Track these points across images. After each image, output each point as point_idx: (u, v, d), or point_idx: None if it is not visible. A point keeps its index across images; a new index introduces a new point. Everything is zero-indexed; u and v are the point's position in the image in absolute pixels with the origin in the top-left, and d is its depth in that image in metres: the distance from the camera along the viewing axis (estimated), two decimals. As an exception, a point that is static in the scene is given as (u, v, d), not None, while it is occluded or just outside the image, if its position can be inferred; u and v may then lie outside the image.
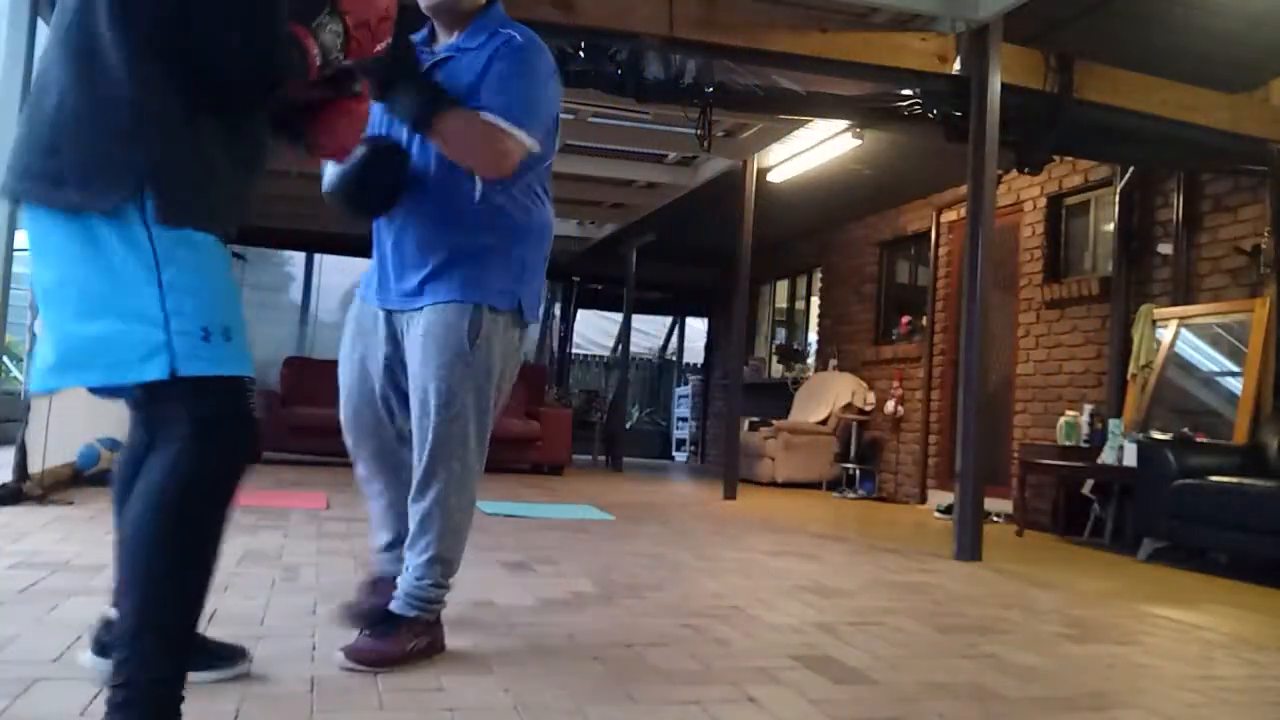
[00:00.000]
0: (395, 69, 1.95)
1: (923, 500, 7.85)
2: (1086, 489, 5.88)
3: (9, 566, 2.78)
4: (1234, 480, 4.43)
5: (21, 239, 4.31)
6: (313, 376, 7.45)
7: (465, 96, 2.06)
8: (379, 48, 1.72)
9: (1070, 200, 6.77)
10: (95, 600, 2.42)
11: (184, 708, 1.38)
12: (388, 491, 2.29)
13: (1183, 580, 4.30)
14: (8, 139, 4.17)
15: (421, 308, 2.11)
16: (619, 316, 12.08)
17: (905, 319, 8.56)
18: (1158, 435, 5.07)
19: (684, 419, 13.59)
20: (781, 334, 11.35)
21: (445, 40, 2.22)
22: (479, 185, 2.11)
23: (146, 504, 1.41)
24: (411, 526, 2.14)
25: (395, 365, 2.20)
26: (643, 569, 3.55)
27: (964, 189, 4.90)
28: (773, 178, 7.57)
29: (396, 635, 2.03)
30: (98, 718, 1.58)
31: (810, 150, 6.88)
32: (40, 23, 4.30)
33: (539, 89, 2.14)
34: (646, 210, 9.39)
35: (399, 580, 2.14)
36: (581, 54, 4.41)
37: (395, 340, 2.20)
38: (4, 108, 4.14)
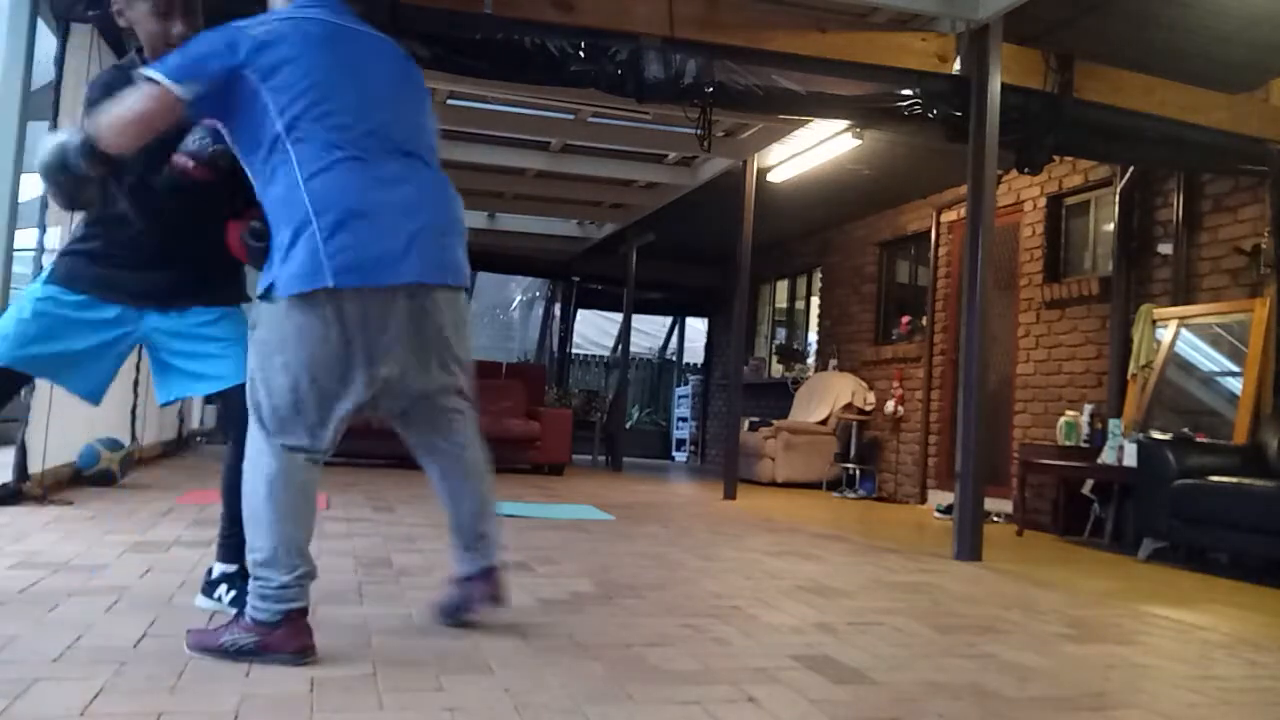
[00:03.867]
0: None
1: (923, 500, 7.85)
2: (1086, 489, 5.88)
3: (9, 566, 2.78)
4: (1234, 480, 4.43)
5: (21, 239, 4.31)
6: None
7: None
8: None
9: (1070, 200, 6.77)
10: (95, 600, 2.42)
11: (182, 706, 1.37)
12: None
13: (1183, 580, 4.30)
14: (8, 139, 4.18)
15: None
16: (619, 316, 12.08)
17: (905, 319, 8.56)
18: (1158, 435, 5.07)
19: (684, 419, 13.59)
20: (781, 334, 11.35)
21: None
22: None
23: None
24: None
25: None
26: (643, 569, 3.55)
27: (964, 189, 4.90)
28: (773, 178, 7.57)
29: (221, 628, 2.01)
30: (98, 718, 1.58)
31: (810, 150, 6.88)
32: (40, 23, 4.30)
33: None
34: (646, 210, 9.39)
35: None
36: (581, 54, 4.41)
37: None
38: (4, 107, 4.14)
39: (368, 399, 2.14)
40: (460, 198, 2.31)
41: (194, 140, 2.30)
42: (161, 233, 2.38)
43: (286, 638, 1.97)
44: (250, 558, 2.05)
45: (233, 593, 2.41)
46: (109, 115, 2.01)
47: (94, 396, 2.47)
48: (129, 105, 1.99)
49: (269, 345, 2.07)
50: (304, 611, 2.02)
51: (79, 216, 2.45)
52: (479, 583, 2.36)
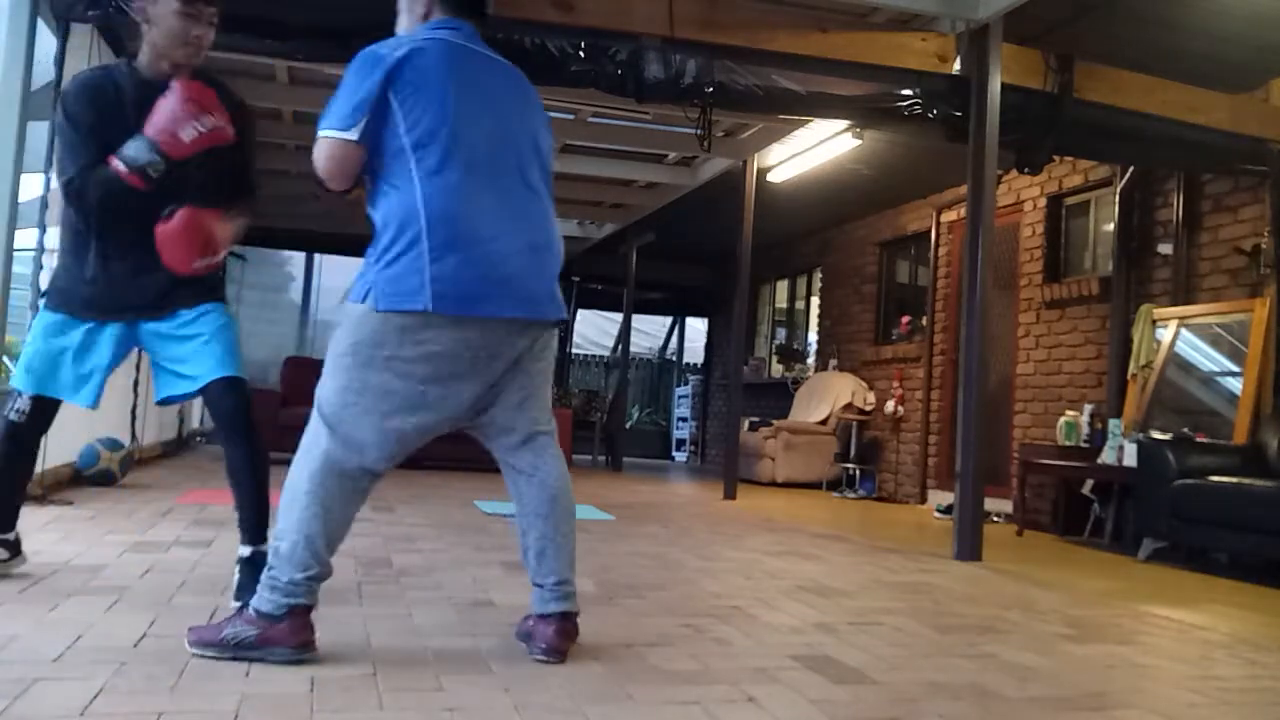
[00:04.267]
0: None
1: (923, 500, 7.85)
2: (1086, 489, 5.88)
3: (9, 566, 2.78)
4: (1234, 480, 4.43)
5: (21, 239, 4.31)
6: (313, 376, 7.38)
7: None
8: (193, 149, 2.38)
9: (1070, 200, 6.77)
10: (95, 600, 2.43)
11: (182, 706, 1.37)
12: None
13: (1183, 580, 4.30)
14: (8, 139, 4.21)
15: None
16: (619, 316, 12.08)
17: (905, 319, 8.56)
18: (1158, 435, 5.07)
19: (684, 419, 13.59)
20: (781, 334, 11.35)
21: None
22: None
23: None
24: None
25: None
26: (643, 569, 3.55)
27: (964, 189, 4.90)
28: (773, 178, 7.57)
29: (224, 621, 2.03)
30: (98, 717, 1.58)
31: (810, 150, 6.88)
32: (40, 23, 4.30)
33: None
34: (646, 210, 9.39)
35: None
36: (581, 54, 4.41)
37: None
38: (4, 107, 4.14)
39: (435, 425, 2.14)
40: (559, 231, 2.31)
41: (131, 147, 2.39)
42: (129, 237, 2.49)
43: (288, 632, 1.98)
44: (271, 544, 2.06)
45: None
46: (320, 170, 2.12)
47: (95, 403, 2.58)
48: (319, 162, 2.10)
49: (341, 345, 2.09)
50: (308, 609, 2.03)
51: (59, 244, 2.64)
52: (538, 625, 2.19)
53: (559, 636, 2.16)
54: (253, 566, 2.41)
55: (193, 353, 2.53)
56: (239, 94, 2.67)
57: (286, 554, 2.02)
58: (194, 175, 2.47)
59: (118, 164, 2.39)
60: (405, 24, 2.29)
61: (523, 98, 2.31)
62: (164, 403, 2.65)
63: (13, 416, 2.53)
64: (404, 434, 2.10)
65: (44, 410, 2.56)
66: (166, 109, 2.38)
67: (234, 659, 1.96)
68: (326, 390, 2.10)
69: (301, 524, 2.03)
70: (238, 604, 2.24)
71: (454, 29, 2.23)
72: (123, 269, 2.51)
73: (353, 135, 2.06)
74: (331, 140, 2.07)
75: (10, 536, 2.67)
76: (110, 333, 2.54)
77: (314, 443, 2.08)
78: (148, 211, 2.42)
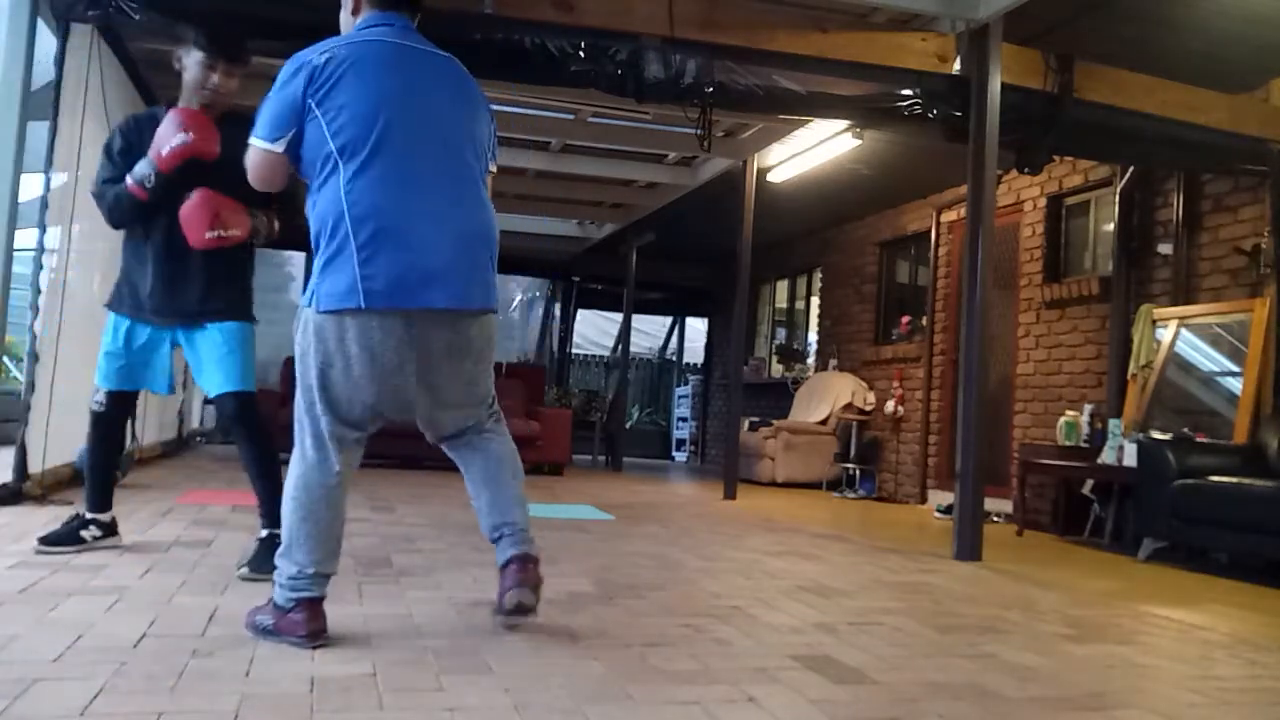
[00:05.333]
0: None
1: (923, 500, 7.85)
2: (1086, 489, 5.88)
3: (9, 566, 2.78)
4: (1234, 480, 4.43)
5: (21, 239, 4.31)
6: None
7: None
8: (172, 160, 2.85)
9: (1070, 200, 6.77)
10: (95, 600, 2.43)
11: (182, 706, 1.37)
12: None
13: (1183, 580, 4.30)
14: (8, 139, 4.23)
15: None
16: (619, 316, 12.08)
17: (905, 319, 8.56)
18: (1158, 435, 5.07)
19: (684, 419, 13.59)
20: (781, 334, 11.35)
21: None
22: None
23: None
24: None
25: None
26: (643, 569, 3.55)
27: (964, 189, 4.90)
28: (773, 178, 7.57)
29: (260, 609, 2.22)
30: (98, 717, 1.58)
31: (810, 150, 6.88)
32: (40, 23, 4.30)
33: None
34: (646, 210, 9.39)
35: None
36: (581, 54, 4.41)
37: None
38: (4, 107, 4.14)
39: (384, 412, 2.27)
40: (496, 221, 2.38)
41: (137, 165, 2.92)
42: (172, 251, 2.97)
43: (296, 623, 2.14)
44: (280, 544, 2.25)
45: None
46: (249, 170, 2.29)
47: (170, 389, 3.20)
48: (249, 169, 2.26)
49: (300, 349, 2.23)
50: (315, 600, 2.17)
51: (123, 255, 3.13)
52: (500, 581, 2.35)
53: (517, 578, 2.29)
54: (265, 544, 2.84)
55: (211, 365, 3.00)
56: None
57: (285, 553, 2.20)
58: (213, 179, 2.86)
59: (127, 178, 2.93)
60: (344, 20, 2.37)
61: (456, 87, 2.34)
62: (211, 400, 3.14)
63: (94, 407, 3.09)
64: (361, 427, 2.27)
65: (121, 400, 3.11)
66: (159, 131, 2.87)
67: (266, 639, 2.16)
68: (298, 391, 2.26)
69: (292, 528, 2.20)
70: (245, 569, 2.81)
71: (386, 25, 2.28)
72: (168, 278, 2.99)
73: (278, 147, 2.19)
74: (258, 149, 2.21)
75: (106, 518, 3.16)
76: (164, 334, 3.06)
77: (297, 448, 2.26)
78: (178, 228, 2.88)
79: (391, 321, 2.14)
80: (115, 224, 3.05)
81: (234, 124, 2.77)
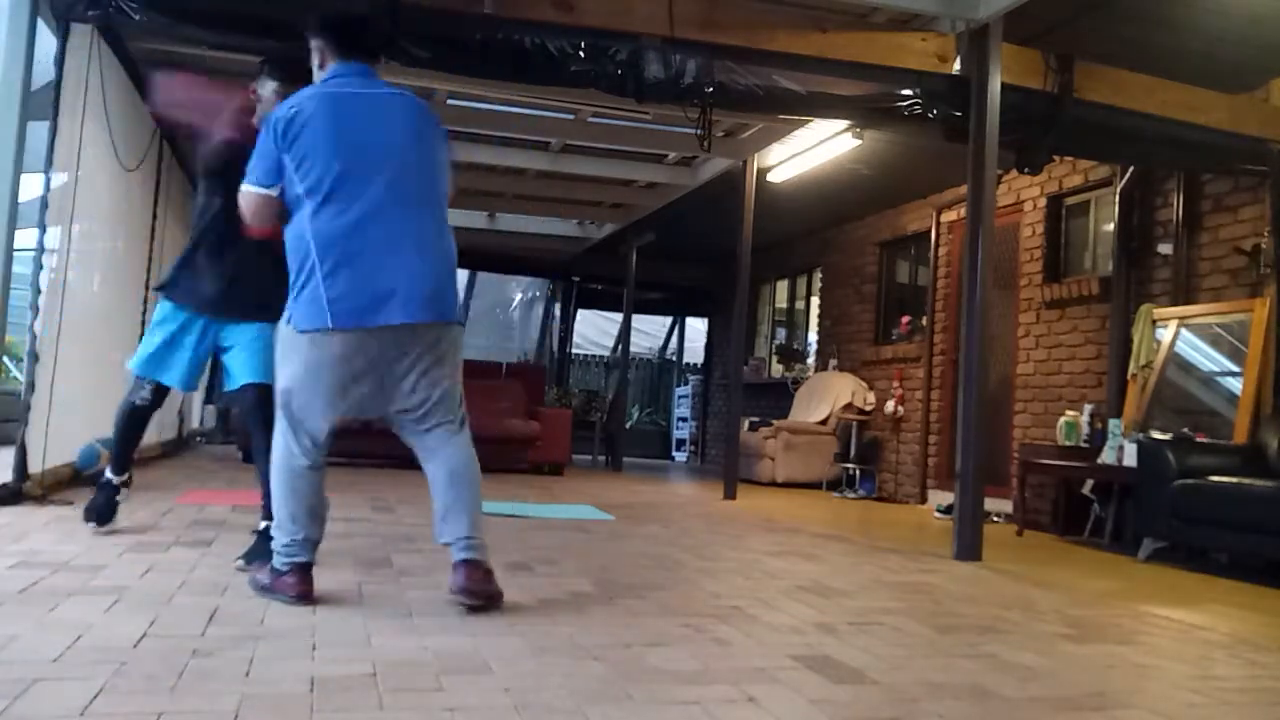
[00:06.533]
0: None
1: (923, 500, 7.85)
2: (1086, 489, 5.88)
3: (9, 566, 2.78)
4: (1234, 480, 4.43)
5: (22, 239, 4.31)
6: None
7: None
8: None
9: (1070, 200, 6.77)
10: (95, 600, 2.43)
11: (182, 706, 1.37)
12: None
13: (1183, 580, 4.30)
14: (8, 139, 4.25)
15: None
16: (619, 316, 12.08)
17: (905, 319, 8.56)
18: (1158, 435, 5.07)
19: (684, 419, 13.59)
20: (781, 334, 11.35)
21: None
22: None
23: None
24: None
25: None
26: (643, 569, 3.55)
27: (964, 189, 4.90)
28: (773, 178, 7.57)
29: (262, 570, 2.64)
30: (98, 717, 1.58)
31: (810, 150, 6.88)
32: (40, 23, 4.30)
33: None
34: (646, 210, 9.39)
35: None
36: (581, 54, 4.41)
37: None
38: (4, 107, 4.14)
39: (350, 413, 2.62)
40: (454, 240, 2.68)
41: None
42: (236, 253, 3.20)
43: (288, 584, 2.53)
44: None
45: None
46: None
47: (192, 387, 3.48)
48: (244, 210, 2.63)
49: (279, 357, 2.62)
50: (306, 565, 2.56)
51: (191, 249, 3.34)
52: (452, 577, 2.58)
53: (467, 578, 2.53)
54: (262, 537, 2.98)
55: (244, 355, 3.26)
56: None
57: (277, 525, 2.60)
58: None
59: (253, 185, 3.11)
60: (315, 72, 2.71)
61: (411, 124, 2.64)
62: (221, 395, 3.37)
63: (139, 401, 3.36)
64: (330, 425, 2.60)
65: (161, 393, 3.39)
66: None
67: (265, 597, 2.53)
68: (278, 393, 2.62)
69: (280, 502, 2.59)
70: (241, 561, 2.99)
71: (344, 76, 2.63)
72: (234, 276, 3.24)
73: (273, 191, 2.56)
74: (254, 194, 2.57)
75: (124, 477, 3.54)
76: (214, 328, 3.31)
77: (277, 437, 2.62)
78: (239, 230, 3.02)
79: (357, 338, 2.48)
80: (229, 233, 3.21)
81: None
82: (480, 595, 2.54)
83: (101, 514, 3.50)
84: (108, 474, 3.53)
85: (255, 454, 3.17)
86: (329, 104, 2.55)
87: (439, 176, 2.68)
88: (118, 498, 3.53)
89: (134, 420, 3.41)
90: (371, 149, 2.55)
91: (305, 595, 2.53)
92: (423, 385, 2.60)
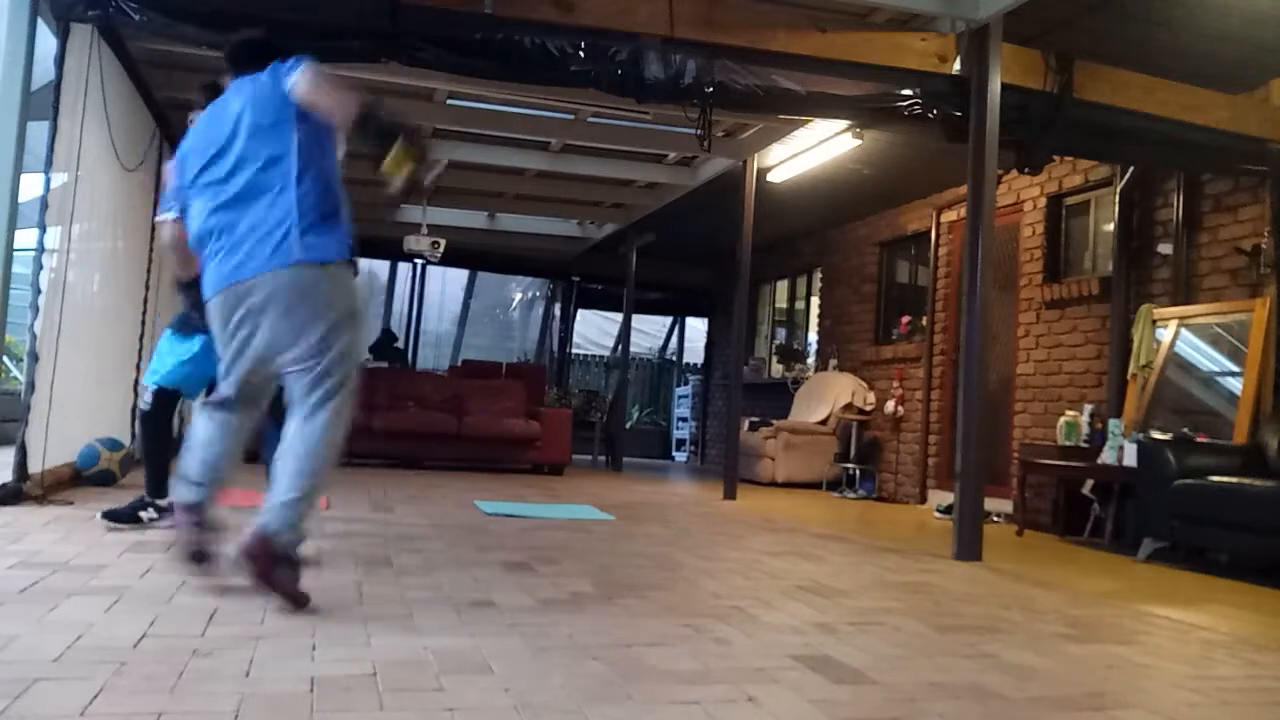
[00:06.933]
0: None
1: (923, 500, 7.85)
2: (1086, 489, 5.88)
3: (9, 566, 2.78)
4: (1234, 480, 4.43)
5: (22, 239, 4.31)
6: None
7: None
8: None
9: (1070, 200, 6.77)
10: (95, 600, 2.43)
11: (182, 706, 1.37)
12: None
13: (1183, 580, 4.30)
14: (8, 139, 4.26)
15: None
16: (619, 316, 12.08)
17: (905, 319, 8.56)
18: (1158, 435, 5.07)
19: (684, 419, 13.59)
20: (781, 334, 11.35)
21: None
22: None
23: None
24: None
25: None
26: (643, 569, 3.55)
27: (964, 189, 4.90)
28: (773, 178, 7.57)
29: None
30: (98, 718, 1.58)
31: (810, 150, 6.88)
32: (40, 23, 4.30)
33: None
34: (646, 210, 9.39)
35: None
36: (581, 54, 4.41)
37: None
38: (4, 107, 4.14)
39: (246, 363, 2.72)
40: (291, 199, 2.63)
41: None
42: None
43: (180, 522, 2.73)
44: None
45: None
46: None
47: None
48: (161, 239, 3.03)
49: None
50: (196, 505, 2.75)
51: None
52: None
53: (244, 545, 2.49)
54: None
55: None
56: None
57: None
58: None
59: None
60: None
61: (248, 98, 2.69)
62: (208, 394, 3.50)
63: (142, 406, 3.65)
64: (234, 378, 2.75)
65: (170, 398, 3.69)
66: None
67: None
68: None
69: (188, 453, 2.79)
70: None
71: (234, 87, 2.78)
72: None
73: (171, 215, 3.01)
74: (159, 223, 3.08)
75: (163, 503, 3.62)
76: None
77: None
78: None
79: (223, 299, 2.66)
80: None
81: None
82: (248, 567, 2.48)
83: (119, 516, 3.64)
84: (145, 494, 3.73)
85: (272, 441, 3.14)
86: (206, 115, 2.84)
87: (277, 128, 2.64)
88: (142, 513, 3.68)
89: (153, 427, 3.68)
90: (223, 141, 2.70)
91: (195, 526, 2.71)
92: (287, 328, 2.70)
